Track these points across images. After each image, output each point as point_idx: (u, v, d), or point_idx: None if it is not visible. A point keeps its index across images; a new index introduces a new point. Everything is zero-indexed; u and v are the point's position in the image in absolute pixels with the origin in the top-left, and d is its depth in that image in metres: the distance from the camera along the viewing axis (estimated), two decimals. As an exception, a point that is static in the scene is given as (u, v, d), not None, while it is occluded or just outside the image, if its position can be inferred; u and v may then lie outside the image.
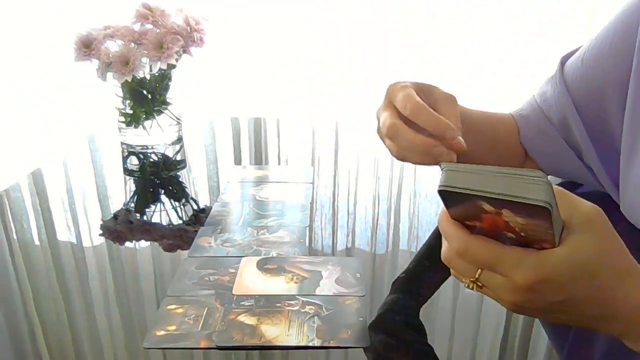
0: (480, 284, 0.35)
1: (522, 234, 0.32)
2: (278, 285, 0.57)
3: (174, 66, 0.96)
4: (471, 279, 0.35)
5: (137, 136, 0.99)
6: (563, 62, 0.64)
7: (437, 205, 0.81)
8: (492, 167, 0.31)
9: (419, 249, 0.68)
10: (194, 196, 0.86)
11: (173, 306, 0.54)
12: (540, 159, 0.66)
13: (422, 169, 0.95)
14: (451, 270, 0.38)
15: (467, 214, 0.34)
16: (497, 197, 0.30)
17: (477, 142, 0.60)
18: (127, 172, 0.95)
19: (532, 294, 0.33)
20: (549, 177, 0.56)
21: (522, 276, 0.33)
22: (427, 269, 0.62)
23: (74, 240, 0.70)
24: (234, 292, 0.56)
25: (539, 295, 0.33)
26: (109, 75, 0.93)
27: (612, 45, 0.56)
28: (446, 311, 0.56)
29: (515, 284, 0.33)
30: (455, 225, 0.36)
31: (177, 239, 0.70)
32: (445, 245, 0.37)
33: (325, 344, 0.48)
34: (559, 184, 0.68)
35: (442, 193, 0.32)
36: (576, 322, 0.36)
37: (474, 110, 0.66)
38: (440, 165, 0.33)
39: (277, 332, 0.50)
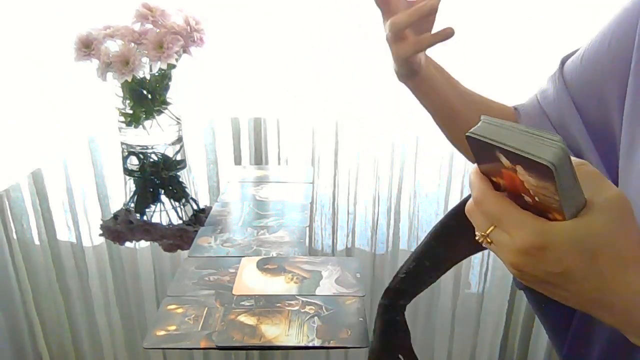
0: (490, 240, 0.37)
1: (536, 198, 0.33)
2: (278, 285, 0.57)
3: (174, 66, 0.96)
4: (482, 233, 0.37)
5: (137, 136, 0.99)
6: (563, 62, 0.64)
7: (437, 205, 0.81)
8: (522, 125, 0.32)
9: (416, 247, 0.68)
10: (194, 196, 0.86)
11: (173, 306, 0.54)
12: None
13: (422, 168, 0.95)
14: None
15: (491, 168, 0.36)
16: (509, 149, 0.31)
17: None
18: (127, 172, 0.95)
19: (529, 257, 0.34)
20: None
21: (521, 238, 0.34)
22: (428, 269, 0.62)
23: (74, 240, 0.70)
24: (234, 292, 0.56)
25: (536, 261, 0.34)
26: (109, 75, 0.92)
27: (611, 44, 0.56)
28: (446, 311, 0.56)
29: (515, 245, 0.34)
30: (479, 176, 0.37)
31: (177, 239, 0.70)
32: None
33: (325, 344, 0.48)
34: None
35: (468, 139, 0.34)
36: (574, 303, 0.36)
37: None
38: (480, 117, 0.35)
39: (277, 332, 0.50)
